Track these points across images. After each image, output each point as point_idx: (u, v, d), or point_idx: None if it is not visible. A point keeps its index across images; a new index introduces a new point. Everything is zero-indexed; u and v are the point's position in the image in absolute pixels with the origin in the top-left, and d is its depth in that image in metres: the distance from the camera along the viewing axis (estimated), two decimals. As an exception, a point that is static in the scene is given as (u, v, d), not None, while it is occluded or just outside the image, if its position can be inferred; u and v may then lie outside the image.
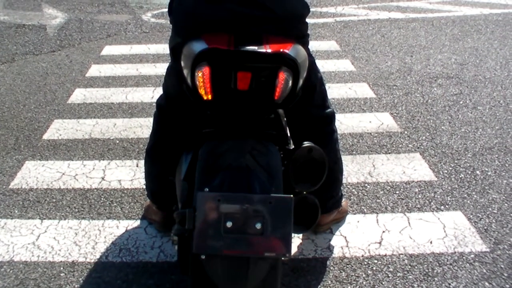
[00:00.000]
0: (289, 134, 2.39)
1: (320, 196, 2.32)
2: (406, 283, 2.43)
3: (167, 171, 2.38)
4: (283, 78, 1.88)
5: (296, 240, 2.71)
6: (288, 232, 1.79)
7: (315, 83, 2.42)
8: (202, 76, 1.86)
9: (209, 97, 1.90)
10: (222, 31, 1.98)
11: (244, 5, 1.99)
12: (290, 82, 1.90)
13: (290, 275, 2.49)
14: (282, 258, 1.93)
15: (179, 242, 1.96)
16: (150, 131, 2.60)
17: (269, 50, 1.88)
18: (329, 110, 2.54)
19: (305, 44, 2.18)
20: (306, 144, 2.14)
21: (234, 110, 2.00)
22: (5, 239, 2.77)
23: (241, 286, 1.84)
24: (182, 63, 1.97)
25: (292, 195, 1.82)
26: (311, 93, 2.41)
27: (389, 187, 3.20)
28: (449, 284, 2.43)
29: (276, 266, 1.90)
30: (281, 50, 1.88)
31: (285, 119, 2.35)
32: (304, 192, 2.16)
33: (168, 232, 2.69)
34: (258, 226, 1.76)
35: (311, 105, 2.44)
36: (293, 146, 2.32)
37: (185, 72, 1.93)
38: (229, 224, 1.75)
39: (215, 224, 1.76)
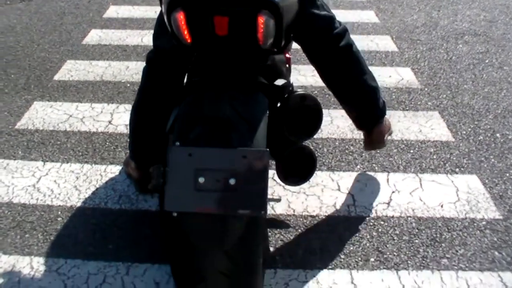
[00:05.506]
0: (291, 82, 2.26)
1: (365, 111, 2.49)
2: (412, 247, 2.34)
3: (156, 127, 2.22)
4: (262, 22, 1.75)
5: (302, 196, 2.63)
6: (263, 188, 1.68)
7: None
8: (178, 21, 1.78)
9: (188, 41, 1.82)
10: None
11: None
12: (273, 26, 1.77)
13: (291, 231, 2.41)
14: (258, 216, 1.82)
15: (159, 197, 1.89)
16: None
17: None
18: (338, 28, 2.35)
19: None
20: (299, 92, 2.05)
21: (216, 56, 1.91)
22: (6, 180, 2.73)
23: (218, 244, 1.73)
24: (162, 9, 1.90)
25: (267, 149, 1.71)
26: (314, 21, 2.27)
27: (404, 146, 3.08)
28: (457, 251, 2.33)
29: (256, 222, 1.79)
30: None
31: (287, 65, 2.23)
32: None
33: (147, 194, 2.62)
34: (232, 181, 1.65)
35: (319, 31, 2.29)
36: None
37: (165, 17, 1.86)
38: (201, 180, 1.65)
39: (187, 180, 1.66)
